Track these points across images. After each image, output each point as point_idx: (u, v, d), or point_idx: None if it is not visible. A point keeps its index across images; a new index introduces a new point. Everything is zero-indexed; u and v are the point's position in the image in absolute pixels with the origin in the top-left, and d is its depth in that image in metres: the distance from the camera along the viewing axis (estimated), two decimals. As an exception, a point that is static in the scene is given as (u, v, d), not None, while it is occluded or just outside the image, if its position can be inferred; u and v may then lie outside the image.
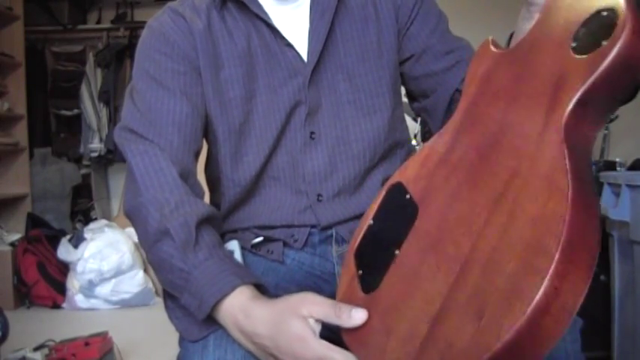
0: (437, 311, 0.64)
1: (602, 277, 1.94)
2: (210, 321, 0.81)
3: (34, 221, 3.71)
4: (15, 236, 3.52)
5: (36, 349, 2.17)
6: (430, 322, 0.64)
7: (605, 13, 0.64)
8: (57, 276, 3.36)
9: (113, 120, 4.05)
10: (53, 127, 4.30)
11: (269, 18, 0.95)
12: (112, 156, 4.14)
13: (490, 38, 0.80)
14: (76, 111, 4.20)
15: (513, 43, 0.81)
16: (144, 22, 0.99)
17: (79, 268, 3.22)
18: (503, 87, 0.73)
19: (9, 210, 3.84)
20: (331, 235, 0.98)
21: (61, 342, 2.23)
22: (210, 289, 0.78)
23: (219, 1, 0.96)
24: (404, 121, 1.06)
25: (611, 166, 2.41)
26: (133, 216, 0.88)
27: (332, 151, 0.96)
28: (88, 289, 3.24)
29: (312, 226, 0.97)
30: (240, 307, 0.77)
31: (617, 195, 1.76)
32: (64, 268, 3.36)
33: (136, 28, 4.10)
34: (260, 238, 0.98)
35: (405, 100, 1.10)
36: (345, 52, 0.97)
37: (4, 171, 3.85)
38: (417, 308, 0.67)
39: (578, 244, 0.57)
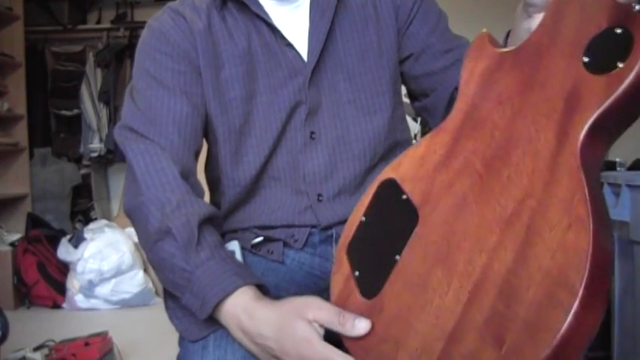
0: (451, 329, 0.64)
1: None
2: (210, 321, 0.81)
3: (34, 221, 3.71)
4: (15, 236, 3.52)
5: (36, 349, 2.17)
6: (445, 340, 0.64)
7: (619, 31, 0.63)
8: (57, 276, 3.36)
9: (113, 120, 4.05)
10: (53, 127, 4.30)
11: (269, 18, 0.95)
12: (112, 156, 4.14)
13: (485, 32, 0.78)
14: (76, 111, 4.21)
15: (511, 41, 0.80)
16: (144, 22, 0.99)
17: (79, 268, 3.22)
18: (508, 93, 0.71)
19: (9, 210, 3.84)
20: (331, 236, 0.98)
21: (61, 342, 2.23)
22: (213, 289, 0.78)
23: (220, 1, 0.96)
24: (405, 120, 1.06)
25: (611, 166, 2.41)
26: (134, 215, 0.87)
27: (332, 150, 0.96)
28: (88, 289, 3.24)
29: (313, 226, 0.97)
30: (244, 308, 0.77)
31: (617, 195, 1.76)
32: (64, 268, 3.36)
33: (136, 28, 4.11)
34: (260, 238, 0.98)
35: (405, 100, 1.10)
36: (345, 51, 0.97)
37: (4, 171, 3.85)
38: (429, 323, 0.66)
39: (598, 277, 0.58)
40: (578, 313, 0.56)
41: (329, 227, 0.97)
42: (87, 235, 3.37)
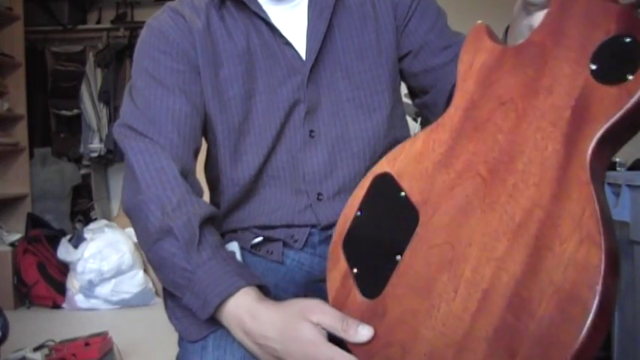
0: (460, 338, 0.64)
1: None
2: (210, 321, 0.81)
3: (34, 221, 3.71)
4: (15, 236, 3.52)
5: (36, 349, 2.17)
6: (455, 348, 0.64)
7: (627, 40, 0.63)
8: (57, 276, 3.36)
9: (113, 120, 4.05)
10: (53, 127, 4.31)
11: (268, 17, 0.95)
12: (112, 156, 4.14)
13: (482, 24, 0.76)
14: (76, 111, 4.21)
15: (511, 37, 0.79)
16: (144, 22, 0.99)
17: (79, 268, 3.23)
18: (510, 94, 0.70)
19: (9, 210, 3.84)
20: (331, 235, 0.98)
21: (61, 342, 2.23)
22: (215, 289, 0.78)
23: (218, 1, 0.96)
24: (404, 118, 1.06)
25: (611, 166, 2.41)
26: (133, 214, 0.87)
27: (332, 149, 0.96)
28: (88, 289, 3.24)
29: (313, 226, 0.97)
30: (246, 309, 0.77)
31: (617, 195, 1.76)
32: (64, 268, 3.37)
33: (136, 28, 4.11)
34: (260, 238, 0.98)
35: (405, 100, 1.10)
36: (343, 50, 0.97)
37: (4, 171, 3.85)
38: (436, 330, 0.66)
39: (610, 294, 0.58)
40: (590, 330, 0.57)
41: (329, 227, 0.97)
42: (87, 235, 3.37)
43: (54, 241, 3.46)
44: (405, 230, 0.72)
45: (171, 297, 0.87)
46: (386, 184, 0.76)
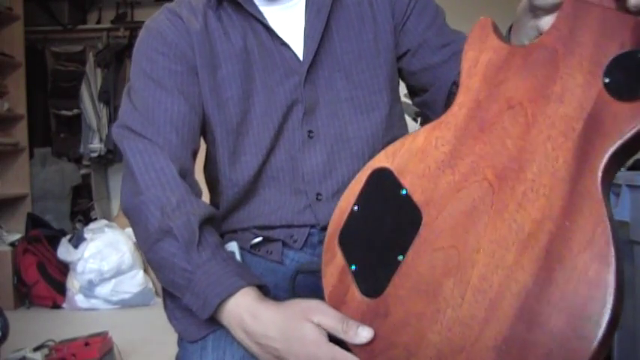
0: (469, 346, 0.64)
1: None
2: (210, 322, 0.82)
3: (34, 221, 3.71)
4: (15, 236, 3.52)
5: (36, 349, 2.18)
6: (463, 355, 0.64)
7: None
8: (57, 276, 3.36)
9: (113, 120, 4.04)
10: (53, 127, 4.31)
11: (264, 18, 0.95)
12: (112, 156, 4.15)
13: (488, 19, 0.74)
14: (76, 111, 4.21)
15: (515, 38, 0.78)
16: (144, 22, 0.99)
17: (79, 268, 3.23)
18: (519, 98, 0.68)
19: (9, 210, 3.84)
20: (330, 235, 0.98)
21: (61, 342, 2.23)
22: (215, 289, 0.78)
23: (215, 1, 0.96)
24: (402, 117, 1.06)
25: (611, 166, 2.40)
26: (133, 214, 0.87)
27: (330, 149, 0.96)
28: (88, 289, 3.24)
29: (312, 226, 0.97)
30: (247, 308, 0.77)
31: (617, 195, 1.76)
32: (64, 268, 3.37)
33: (136, 28, 4.10)
34: (259, 239, 0.98)
35: (404, 100, 1.10)
36: (341, 49, 0.97)
37: (4, 171, 3.86)
38: (443, 335, 0.66)
39: (618, 310, 0.60)
40: (600, 345, 0.58)
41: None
42: (87, 235, 3.37)
43: (54, 241, 3.46)
44: (407, 230, 0.71)
45: (170, 297, 0.87)
46: (385, 180, 0.74)
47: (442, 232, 0.69)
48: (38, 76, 4.16)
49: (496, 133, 0.69)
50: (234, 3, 0.95)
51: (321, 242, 0.98)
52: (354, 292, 0.74)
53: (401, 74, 1.04)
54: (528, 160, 0.66)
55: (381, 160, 0.76)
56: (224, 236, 1.00)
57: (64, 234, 3.59)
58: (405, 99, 1.10)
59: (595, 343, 0.58)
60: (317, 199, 0.96)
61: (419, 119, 2.68)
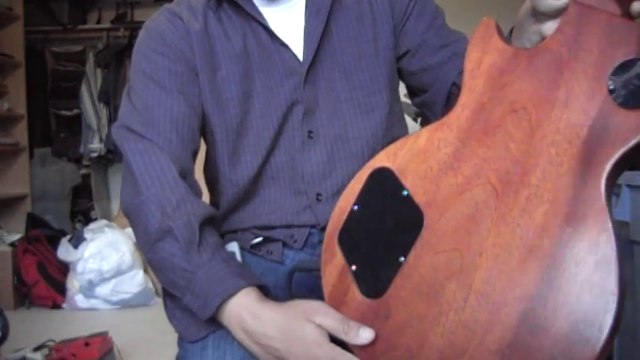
0: (472, 350, 0.64)
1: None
2: (210, 322, 0.82)
3: (34, 221, 3.71)
4: (15, 236, 3.52)
5: (36, 349, 2.18)
6: (466, 359, 0.64)
7: None
8: (57, 276, 3.36)
9: (113, 120, 4.04)
10: (53, 127, 4.31)
11: (263, 19, 0.95)
12: (112, 156, 4.15)
13: (491, 20, 0.73)
14: (76, 111, 4.21)
15: (516, 41, 0.78)
16: (144, 22, 0.99)
17: (79, 268, 3.23)
18: (523, 102, 0.68)
19: (9, 210, 3.84)
20: (330, 235, 0.98)
21: (61, 342, 2.23)
22: (215, 289, 0.78)
23: (214, 2, 0.96)
24: (402, 118, 1.06)
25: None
26: (133, 215, 0.87)
27: (330, 149, 0.96)
28: (88, 289, 3.24)
29: (312, 226, 0.97)
30: (247, 309, 0.77)
31: (617, 195, 1.76)
32: (64, 268, 3.37)
33: (136, 28, 4.10)
34: (259, 239, 0.98)
35: (404, 100, 1.10)
36: (341, 50, 0.97)
37: (4, 171, 3.86)
38: (445, 339, 0.66)
39: (621, 316, 0.61)
40: (603, 349, 0.59)
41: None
42: (87, 235, 3.37)
43: (54, 241, 3.46)
44: (409, 231, 0.71)
45: (171, 297, 0.87)
46: (386, 180, 0.74)
47: (444, 235, 0.69)
48: (38, 76, 4.16)
49: (500, 137, 0.68)
50: (234, 4, 0.95)
51: (321, 242, 0.98)
52: (355, 293, 0.74)
53: (400, 75, 1.04)
54: (532, 164, 0.66)
55: (381, 160, 0.75)
56: (224, 236, 1.00)
57: (64, 234, 3.59)
58: (404, 99, 1.10)
59: (598, 348, 0.59)
60: (317, 199, 0.96)
61: (419, 119, 2.68)
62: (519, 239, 0.64)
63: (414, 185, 0.72)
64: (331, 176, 0.96)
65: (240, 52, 0.95)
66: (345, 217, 0.76)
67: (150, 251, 0.85)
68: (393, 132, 1.01)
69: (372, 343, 0.70)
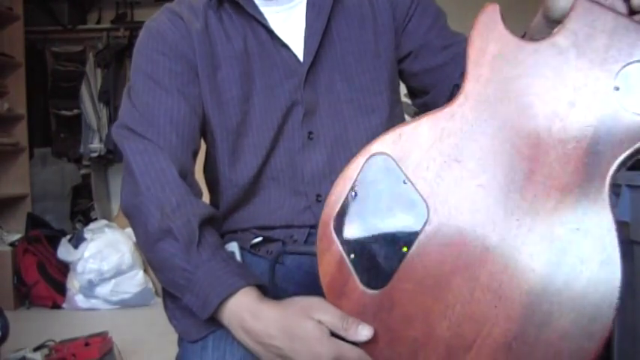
0: (480, 342, 0.66)
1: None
2: (210, 322, 0.82)
3: (34, 221, 3.71)
4: (15, 236, 3.52)
5: (36, 349, 2.18)
6: (474, 351, 0.66)
7: None
8: (57, 276, 3.36)
9: (113, 120, 4.04)
10: (53, 127, 4.31)
11: (264, 19, 0.95)
12: (112, 156, 4.15)
13: (495, 5, 0.71)
14: (76, 111, 4.21)
15: None
16: (144, 22, 0.99)
17: (79, 268, 3.23)
18: (529, 97, 0.67)
19: (9, 210, 3.84)
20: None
21: (61, 342, 2.23)
22: (215, 289, 0.78)
23: (215, 2, 0.96)
24: (403, 119, 1.06)
25: (611, 166, 2.40)
26: (133, 215, 0.87)
27: (331, 151, 0.96)
28: (88, 289, 3.24)
29: (312, 227, 0.97)
30: (248, 308, 0.77)
31: (617, 195, 1.76)
32: (64, 268, 3.37)
33: (136, 28, 4.10)
34: (259, 239, 0.98)
35: (404, 100, 1.10)
36: (342, 51, 0.97)
37: (4, 171, 3.86)
38: (452, 331, 0.67)
39: (619, 307, 0.63)
40: (605, 342, 0.62)
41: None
42: (87, 235, 3.37)
43: (54, 241, 3.46)
44: (411, 221, 0.70)
45: (170, 297, 0.87)
46: (386, 167, 0.71)
47: (450, 228, 0.68)
48: (38, 76, 4.16)
49: (505, 131, 0.68)
50: (235, 4, 0.95)
51: (321, 242, 0.98)
52: (355, 283, 0.72)
53: (402, 76, 1.04)
54: (539, 162, 0.66)
55: (379, 146, 0.72)
56: (224, 236, 1.00)
57: (64, 234, 3.59)
58: (405, 99, 1.10)
59: (601, 341, 0.62)
60: (317, 200, 0.96)
61: (419, 119, 2.68)
62: (525, 235, 0.65)
63: (415, 175, 0.70)
64: (331, 177, 0.96)
65: (240, 53, 0.95)
66: (340, 203, 0.73)
67: (150, 251, 0.85)
68: (394, 133, 1.01)
69: (376, 336, 0.71)
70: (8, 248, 3.38)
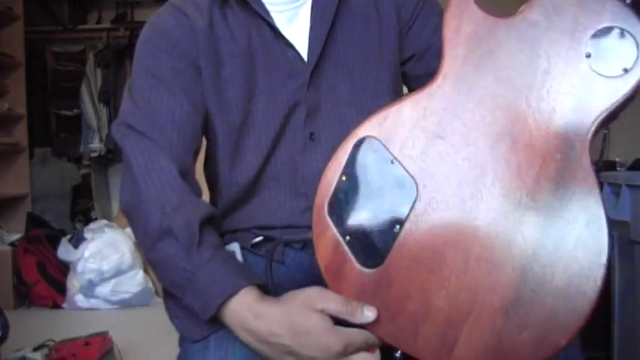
0: (477, 310, 0.68)
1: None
2: (212, 321, 0.81)
3: (34, 221, 3.71)
4: (15, 236, 3.52)
5: (36, 349, 2.18)
6: (472, 319, 0.68)
7: (624, 34, 0.66)
8: (57, 276, 3.36)
9: (113, 120, 4.02)
10: (53, 127, 4.31)
11: (270, 17, 0.94)
12: (112, 156, 4.15)
13: None
14: (76, 111, 4.21)
15: None
16: (144, 22, 0.98)
17: (79, 268, 3.23)
18: (506, 71, 0.70)
19: (9, 210, 3.84)
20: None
21: (61, 342, 2.23)
22: (216, 289, 0.78)
23: (220, -1, 0.95)
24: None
25: (611, 166, 2.40)
26: (132, 214, 0.87)
27: (332, 152, 0.96)
28: (88, 289, 3.24)
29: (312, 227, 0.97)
30: (249, 308, 0.77)
31: (617, 195, 1.76)
32: (64, 268, 3.36)
33: (136, 28, 4.10)
34: (260, 238, 0.98)
35: (405, 100, 1.10)
36: (345, 52, 0.97)
37: (4, 171, 3.85)
38: (450, 302, 0.69)
39: (609, 265, 0.66)
40: (597, 298, 0.65)
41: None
42: (87, 235, 3.37)
43: (54, 240, 3.46)
44: (402, 200, 0.73)
45: (172, 297, 0.87)
46: (373, 149, 0.75)
47: (439, 202, 0.71)
48: (38, 76, 4.16)
49: (485, 105, 0.71)
50: (241, 1, 0.95)
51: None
52: (352, 264, 0.74)
53: (404, 78, 1.04)
54: (519, 131, 0.69)
55: (366, 130, 0.76)
56: (224, 236, 1.00)
57: (64, 234, 3.59)
58: (405, 99, 1.10)
59: (594, 298, 0.65)
60: (317, 200, 0.96)
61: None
62: (513, 202, 0.68)
63: (402, 154, 0.73)
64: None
65: (244, 51, 0.94)
66: (332, 188, 0.76)
67: (150, 251, 0.85)
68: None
69: (378, 314, 0.72)
70: (8, 248, 3.38)
